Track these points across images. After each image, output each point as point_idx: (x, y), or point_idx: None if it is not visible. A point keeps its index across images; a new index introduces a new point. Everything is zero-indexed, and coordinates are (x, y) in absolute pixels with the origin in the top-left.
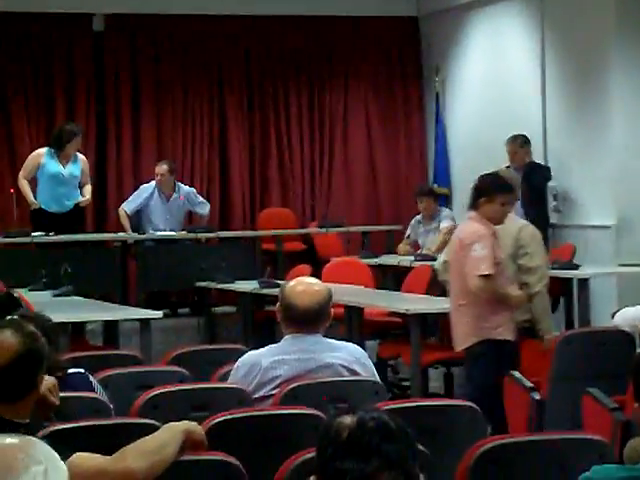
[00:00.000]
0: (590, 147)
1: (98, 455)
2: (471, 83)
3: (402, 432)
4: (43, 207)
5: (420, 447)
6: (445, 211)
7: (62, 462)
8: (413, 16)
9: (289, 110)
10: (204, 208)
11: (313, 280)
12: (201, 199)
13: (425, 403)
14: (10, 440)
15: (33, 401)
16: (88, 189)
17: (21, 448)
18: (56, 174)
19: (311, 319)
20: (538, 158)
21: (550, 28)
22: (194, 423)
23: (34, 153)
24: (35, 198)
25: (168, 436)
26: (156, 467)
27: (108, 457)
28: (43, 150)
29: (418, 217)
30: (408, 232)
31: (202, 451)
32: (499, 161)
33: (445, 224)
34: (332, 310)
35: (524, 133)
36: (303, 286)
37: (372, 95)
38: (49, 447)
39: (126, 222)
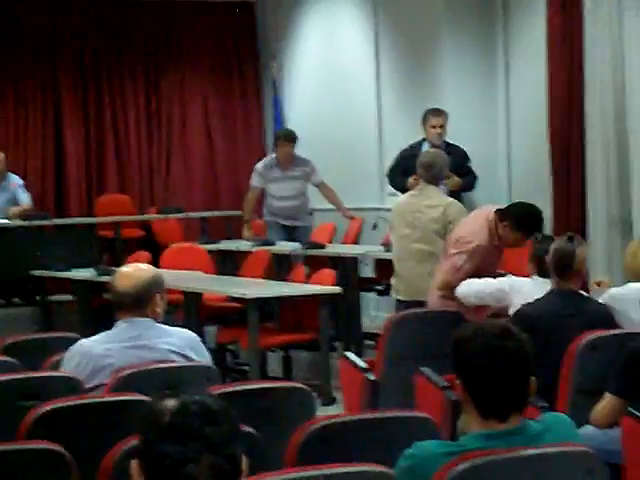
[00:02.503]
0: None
1: None
2: (308, 68)
3: (225, 415)
4: None
5: (248, 429)
6: (307, 162)
7: None
8: (249, 1)
9: (125, 95)
10: (28, 200)
11: (141, 266)
12: (27, 194)
13: (255, 386)
14: None
15: None
16: None
17: None
18: None
19: (132, 303)
20: (373, 141)
21: (383, 12)
22: None
23: None
24: None
25: None
26: None
27: None
28: None
29: (264, 163)
30: (254, 182)
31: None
32: (336, 144)
33: (318, 178)
34: (162, 295)
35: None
36: (126, 271)
37: (209, 81)
38: None
39: None
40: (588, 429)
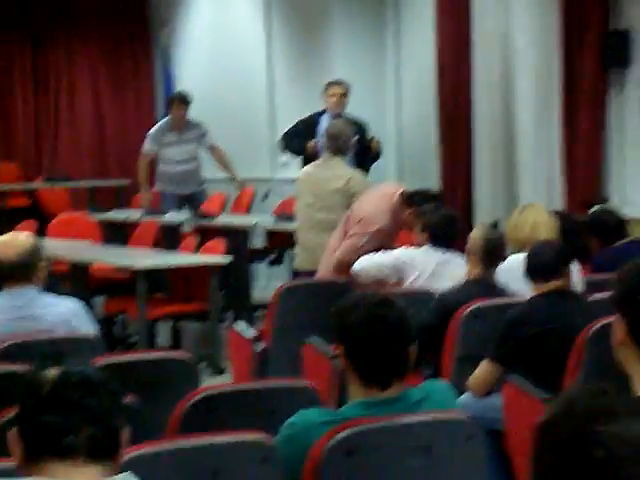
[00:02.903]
0: (313, 99)
1: None
2: (199, 35)
3: (106, 386)
4: None
5: (131, 400)
6: (199, 126)
7: None
8: None
9: (12, 59)
10: None
11: (20, 234)
12: None
13: (139, 357)
14: None
15: None
16: None
17: None
18: None
19: (16, 272)
20: (265, 111)
21: None
22: None
23: None
24: None
25: None
26: None
27: None
28: None
29: (158, 127)
30: (147, 148)
31: None
32: (228, 113)
33: (210, 141)
34: (44, 264)
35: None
36: (6, 240)
37: (99, 46)
38: None
39: None
40: (465, 397)
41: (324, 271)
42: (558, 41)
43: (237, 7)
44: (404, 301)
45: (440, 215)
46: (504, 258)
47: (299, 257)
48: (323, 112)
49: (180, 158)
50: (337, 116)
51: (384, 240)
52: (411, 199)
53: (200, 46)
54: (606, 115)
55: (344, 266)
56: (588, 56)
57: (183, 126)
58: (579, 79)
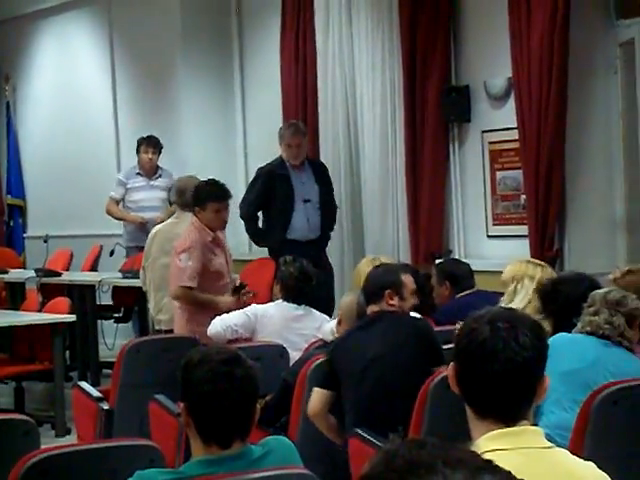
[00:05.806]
0: (162, 157)
1: None
2: (42, 92)
3: None
4: None
5: None
6: (171, 176)
7: None
8: None
9: None
10: None
11: None
12: None
13: None
14: None
15: None
16: None
17: None
18: None
19: None
20: (111, 167)
21: (118, 37)
22: None
23: None
24: None
25: None
26: None
27: None
28: None
29: (125, 171)
30: (113, 193)
31: None
32: (73, 168)
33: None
34: None
35: None
36: None
37: None
38: None
39: None
40: None
41: (178, 328)
42: (401, 97)
43: (81, 63)
44: (255, 353)
45: (295, 269)
46: None
47: (162, 318)
48: (281, 160)
49: (148, 204)
50: (298, 167)
51: (206, 255)
52: (193, 205)
53: (43, 103)
54: (448, 169)
55: (184, 293)
56: (430, 111)
57: (151, 172)
58: (422, 133)
